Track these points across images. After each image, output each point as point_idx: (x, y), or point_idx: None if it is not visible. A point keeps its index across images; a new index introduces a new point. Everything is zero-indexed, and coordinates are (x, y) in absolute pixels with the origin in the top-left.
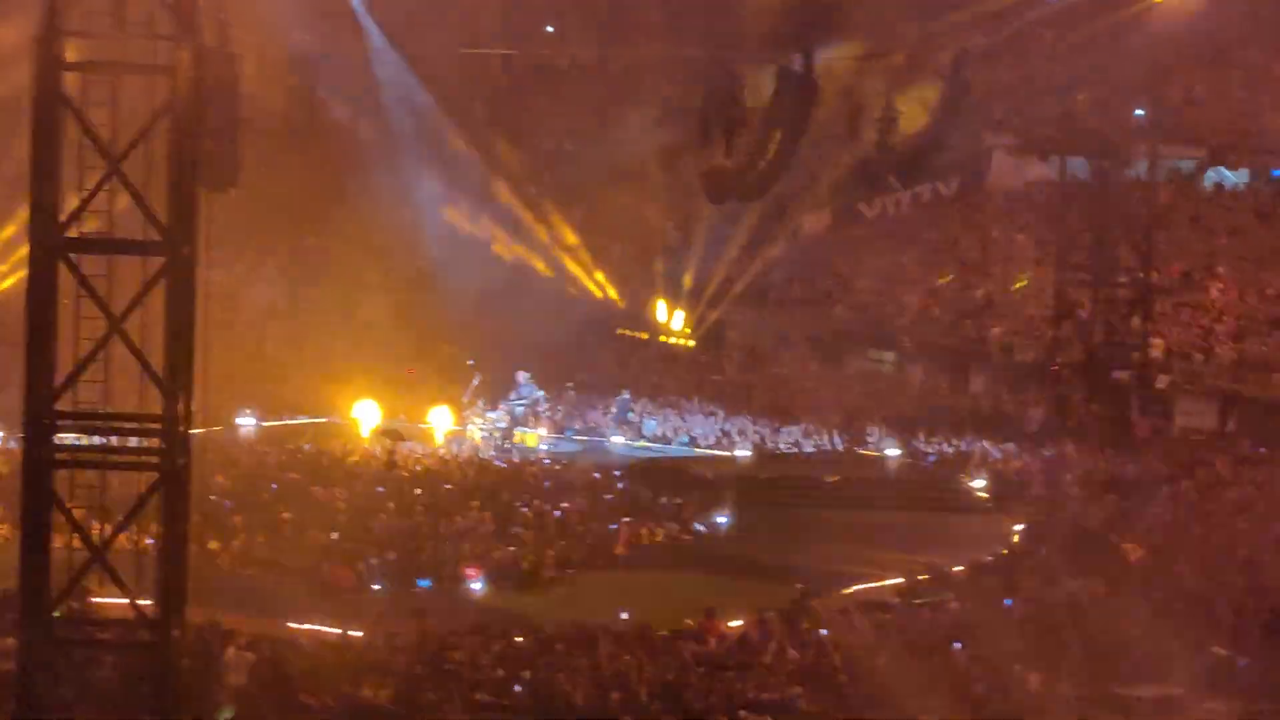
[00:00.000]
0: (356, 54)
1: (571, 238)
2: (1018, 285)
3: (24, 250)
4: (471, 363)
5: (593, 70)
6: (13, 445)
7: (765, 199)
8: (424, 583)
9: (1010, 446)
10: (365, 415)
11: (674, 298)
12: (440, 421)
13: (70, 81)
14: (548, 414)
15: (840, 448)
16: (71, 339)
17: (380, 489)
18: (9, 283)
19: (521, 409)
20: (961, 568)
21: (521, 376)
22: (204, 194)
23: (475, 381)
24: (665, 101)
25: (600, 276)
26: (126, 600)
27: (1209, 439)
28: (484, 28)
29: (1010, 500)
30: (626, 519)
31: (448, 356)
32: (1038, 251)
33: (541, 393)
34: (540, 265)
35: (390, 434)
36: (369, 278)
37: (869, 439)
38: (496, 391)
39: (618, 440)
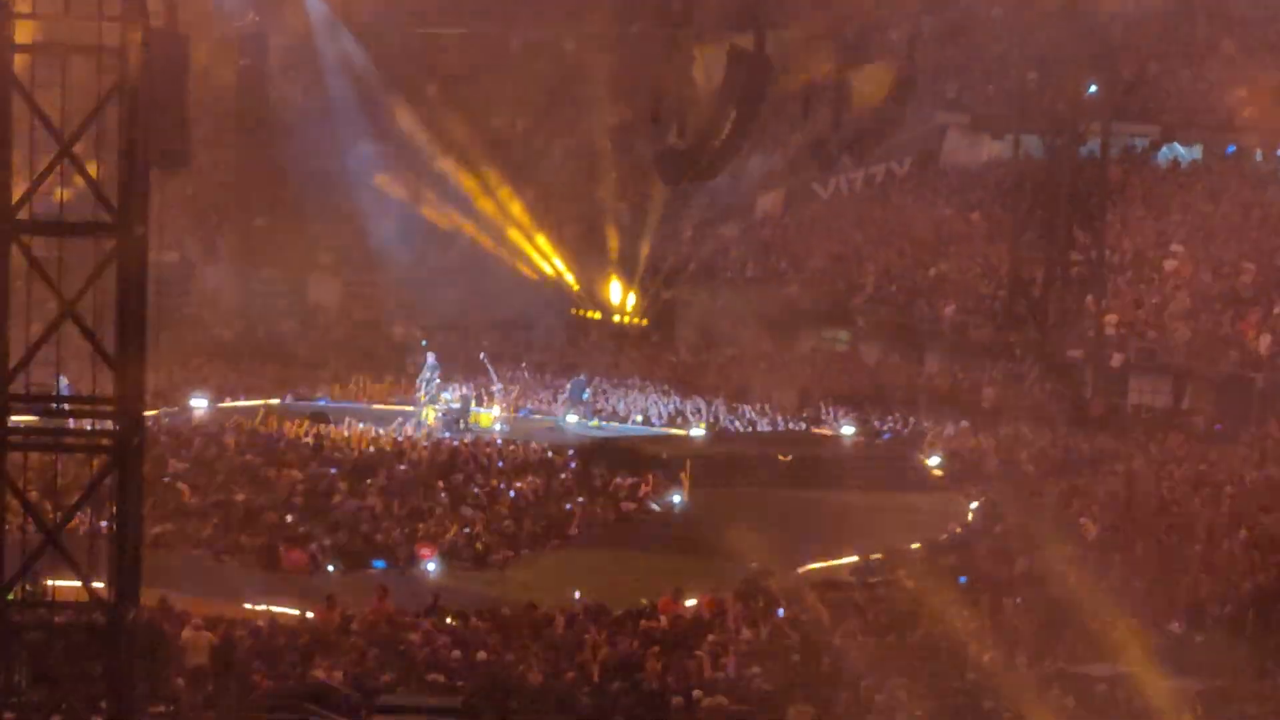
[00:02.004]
0: (306, 34)
1: (524, 218)
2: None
3: None
4: (425, 343)
5: (544, 49)
6: None
7: (718, 179)
8: (379, 564)
9: (965, 424)
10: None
11: (627, 277)
12: (394, 402)
13: (19, 63)
14: (501, 393)
15: (795, 426)
16: (23, 322)
17: (333, 470)
18: None
19: (427, 386)
20: (917, 546)
21: (430, 357)
22: (155, 175)
23: (429, 361)
24: (617, 81)
25: (553, 256)
26: (80, 583)
27: (1163, 416)
28: (435, 6)
29: (965, 478)
30: (580, 498)
31: (400, 337)
32: (991, 229)
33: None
34: (493, 245)
35: (318, 416)
36: (320, 258)
37: (823, 418)
38: (452, 371)
39: (572, 420)
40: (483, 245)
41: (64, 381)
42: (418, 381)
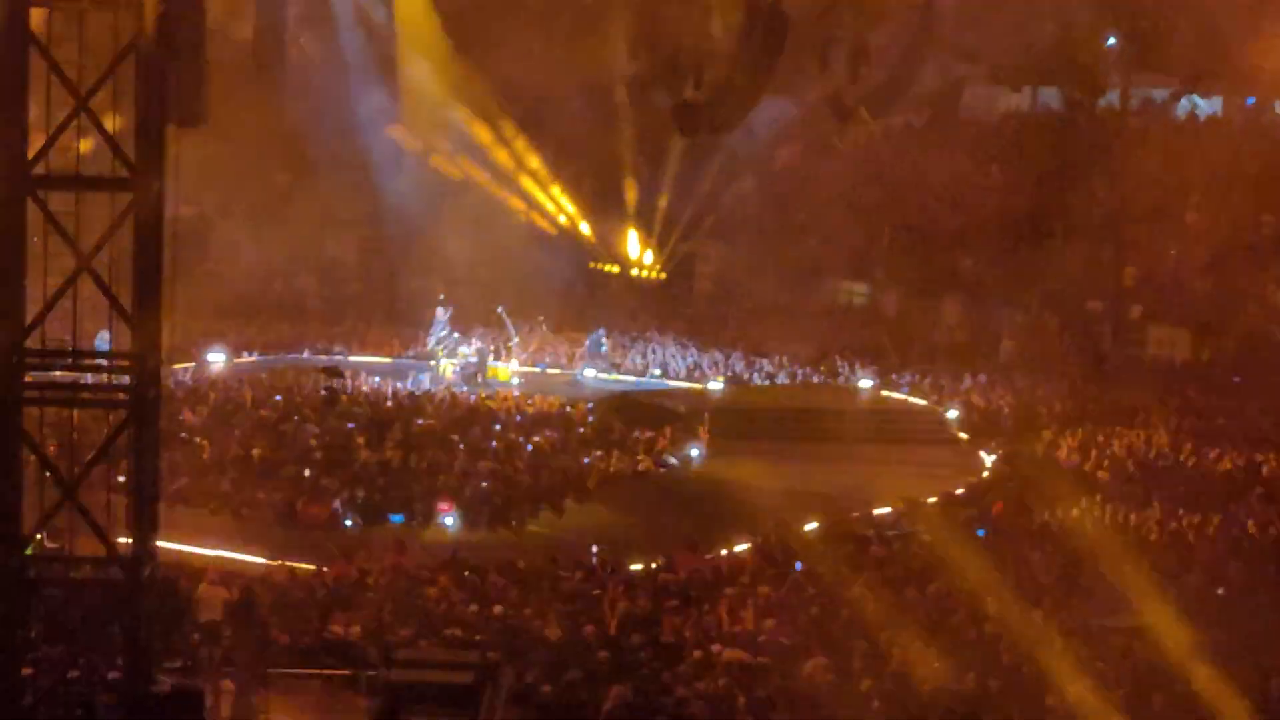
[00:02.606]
0: None
1: (542, 171)
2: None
3: None
4: (443, 296)
5: (561, 2)
6: None
7: (736, 132)
8: (396, 518)
9: (983, 377)
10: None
11: (645, 231)
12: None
13: (36, 18)
14: (518, 347)
15: (813, 380)
16: (40, 277)
17: (351, 425)
18: None
19: (439, 341)
20: (934, 499)
21: (439, 312)
22: (172, 130)
23: (447, 314)
24: (635, 34)
25: (571, 210)
26: (98, 538)
27: (1182, 368)
28: None
29: (983, 431)
30: (598, 453)
31: (417, 291)
32: (1010, 182)
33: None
34: (510, 199)
35: (330, 370)
36: (338, 213)
37: (841, 371)
38: (469, 325)
39: (589, 374)
40: (500, 199)
41: (105, 336)
42: (428, 336)
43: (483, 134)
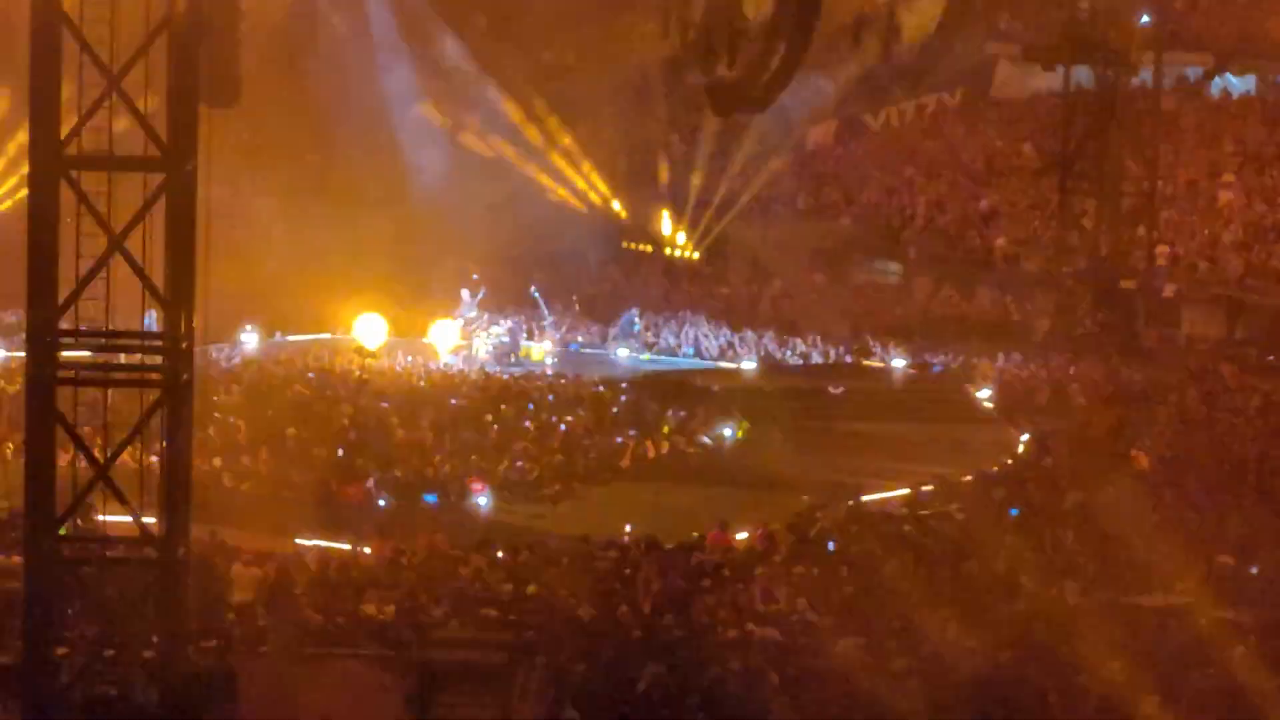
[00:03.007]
0: None
1: (574, 150)
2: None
3: (24, 169)
4: (476, 276)
5: None
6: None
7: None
8: (430, 498)
9: (1016, 356)
10: (368, 331)
11: (678, 210)
12: (444, 336)
13: None
14: (552, 327)
15: (846, 359)
16: (73, 258)
17: (385, 404)
18: (8, 204)
19: (468, 322)
20: (968, 478)
21: (465, 294)
22: (205, 110)
23: (480, 295)
24: (667, 13)
25: (604, 189)
26: (131, 518)
27: (1216, 347)
28: None
29: (1016, 410)
30: (631, 432)
31: (452, 270)
32: (1042, 161)
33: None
34: (544, 178)
35: (361, 351)
36: (371, 192)
37: (875, 350)
38: (504, 305)
39: (623, 353)
40: (533, 178)
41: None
42: (457, 316)
43: (514, 112)
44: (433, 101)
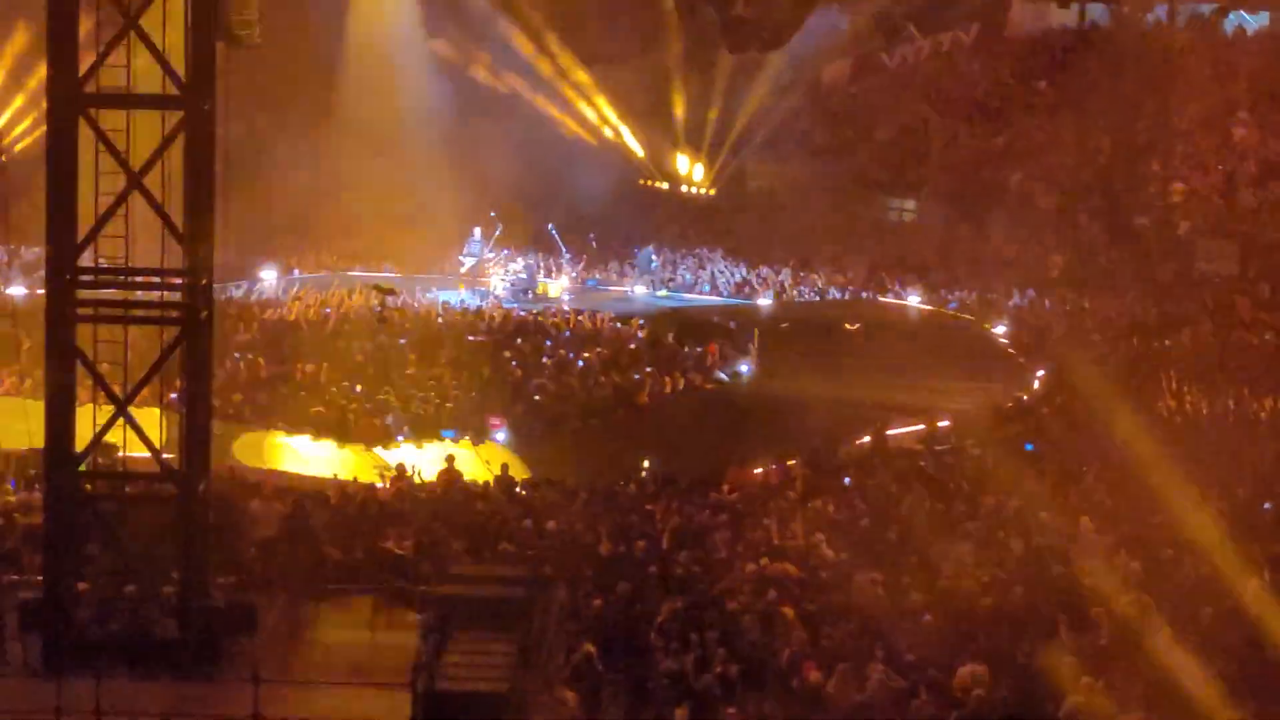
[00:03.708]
0: None
1: (590, 87)
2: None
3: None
4: (494, 214)
5: None
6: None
7: (784, 48)
8: (448, 434)
9: (1031, 293)
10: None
11: (694, 148)
12: (463, 272)
13: None
14: (569, 264)
15: (862, 296)
16: (91, 196)
17: (403, 341)
18: (26, 142)
19: (471, 262)
20: (984, 414)
21: (476, 231)
22: (222, 48)
23: (497, 232)
24: None
25: (621, 127)
26: (152, 454)
27: (1230, 283)
28: None
29: (1031, 346)
30: (648, 368)
31: (467, 208)
32: (1057, 98)
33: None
34: (560, 116)
35: (383, 288)
36: (389, 132)
37: (890, 287)
38: (520, 243)
39: (639, 290)
40: (550, 116)
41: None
42: (466, 255)
43: (527, 48)
44: (445, 38)
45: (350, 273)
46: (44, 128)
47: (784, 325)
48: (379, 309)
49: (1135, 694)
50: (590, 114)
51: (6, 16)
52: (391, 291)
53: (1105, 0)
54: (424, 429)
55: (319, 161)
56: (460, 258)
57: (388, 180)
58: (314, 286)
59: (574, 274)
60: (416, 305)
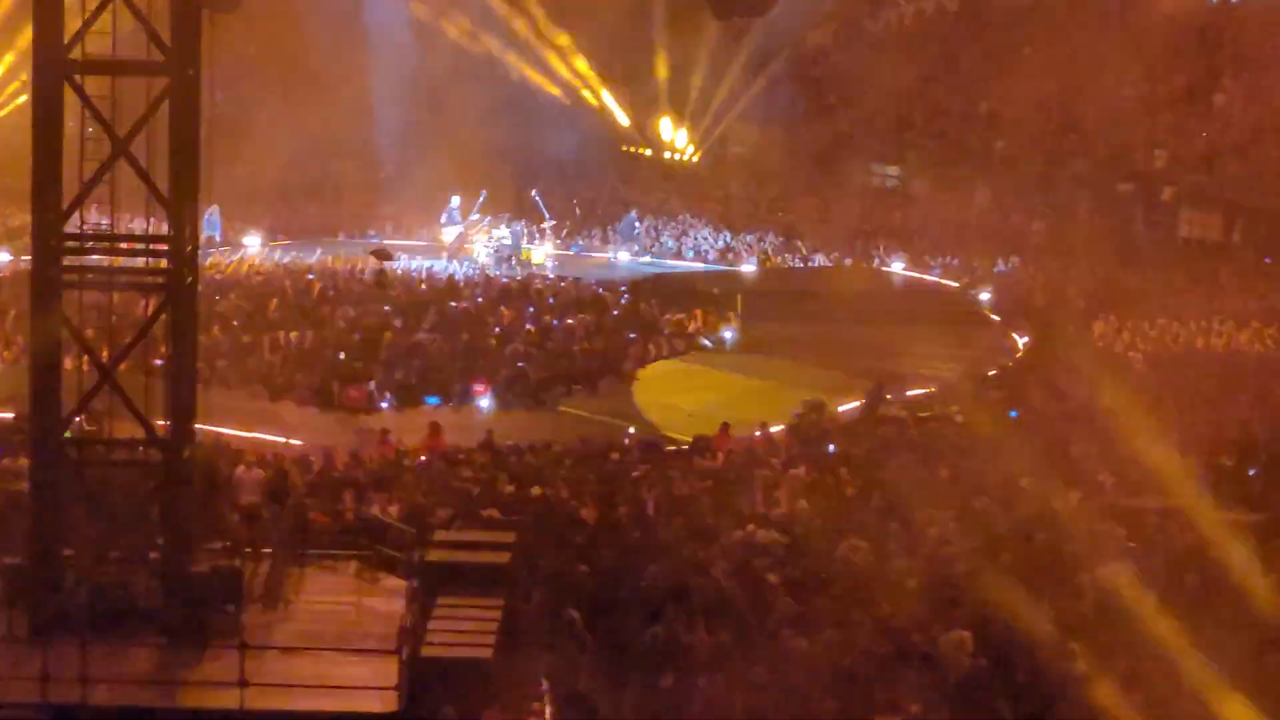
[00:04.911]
0: None
1: (574, 54)
2: None
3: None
4: (485, 192)
5: None
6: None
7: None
8: (432, 400)
9: (1015, 259)
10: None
11: (678, 114)
12: (445, 239)
13: None
14: (552, 230)
15: (846, 262)
16: (76, 162)
17: (387, 308)
18: (10, 108)
19: (453, 231)
20: (967, 380)
21: (454, 200)
22: (208, 15)
23: (480, 199)
24: None
25: (604, 93)
26: (137, 420)
27: (1213, 249)
28: None
29: (1015, 313)
30: (632, 334)
31: (448, 173)
32: (1042, 63)
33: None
34: (544, 82)
35: (380, 253)
36: (373, 98)
37: (874, 253)
38: (506, 208)
39: (623, 256)
40: (533, 82)
41: (217, 212)
42: (445, 222)
43: (514, 17)
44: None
45: (334, 239)
46: (28, 94)
47: (768, 291)
48: (377, 273)
49: (1120, 661)
50: (572, 79)
51: None
52: (389, 256)
53: None
54: (407, 396)
55: (301, 128)
56: (442, 227)
57: (369, 146)
58: (299, 253)
59: (557, 240)
60: (400, 271)
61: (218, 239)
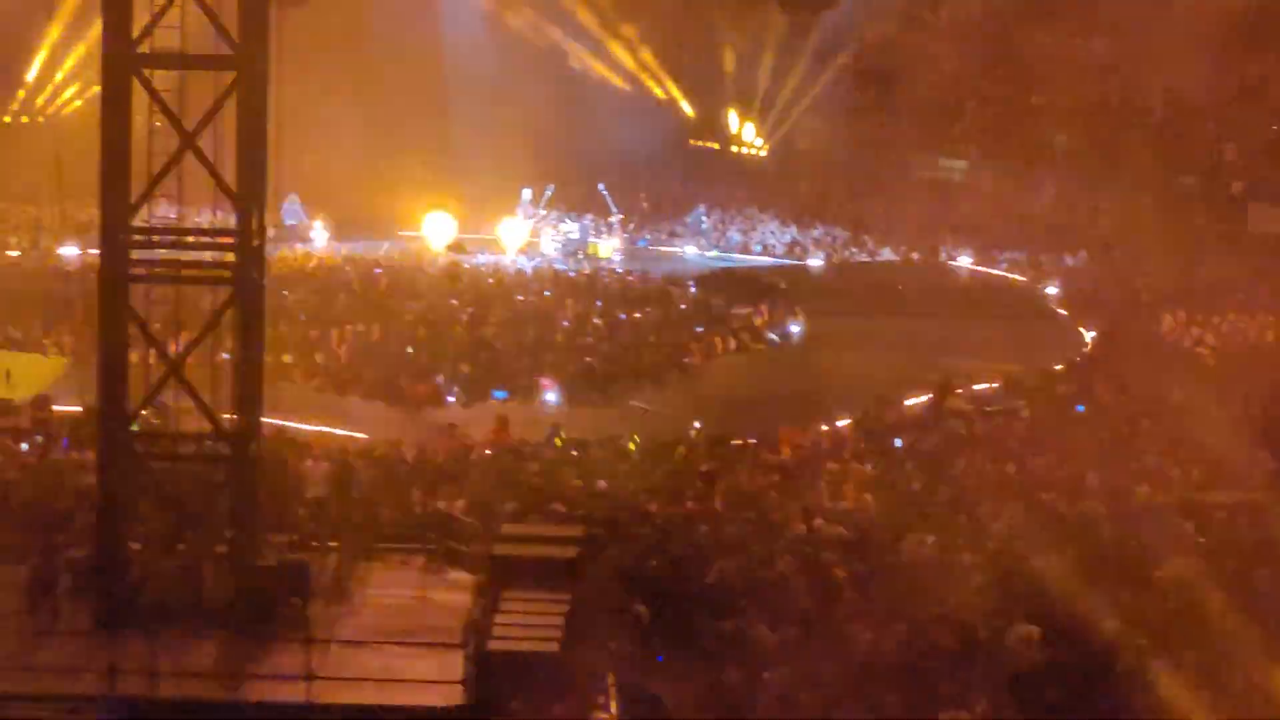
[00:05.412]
0: None
1: (644, 49)
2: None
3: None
4: (551, 187)
5: None
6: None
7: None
8: (500, 394)
9: (1082, 254)
10: (437, 229)
11: (745, 108)
12: (512, 234)
13: None
14: (619, 224)
15: (912, 257)
16: (144, 156)
17: (454, 301)
18: (79, 103)
19: (529, 225)
20: (1034, 374)
21: (525, 194)
22: (276, 8)
23: (548, 193)
24: None
25: (672, 87)
26: (204, 414)
27: None
28: None
29: (1082, 307)
30: (699, 328)
31: (520, 169)
32: (1110, 57)
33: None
34: (613, 77)
35: (456, 247)
36: (442, 92)
37: (941, 247)
38: (571, 203)
39: (691, 250)
40: (603, 77)
41: (293, 203)
42: (524, 216)
43: (584, 12)
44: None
45: (401, 233)
46: (97, 88)
47: (835, 286)
48: (449, 265)
49: (1188, 657)
50: (639, 71)
51: None
52: (463, 250)
53: None
54: (475, 390)
55: (368, 122)
56: (521, 221)
57: (437, 140)
58: (365, 247)
59: (625, 234)
60: (468, 265)
61: (303, 223)
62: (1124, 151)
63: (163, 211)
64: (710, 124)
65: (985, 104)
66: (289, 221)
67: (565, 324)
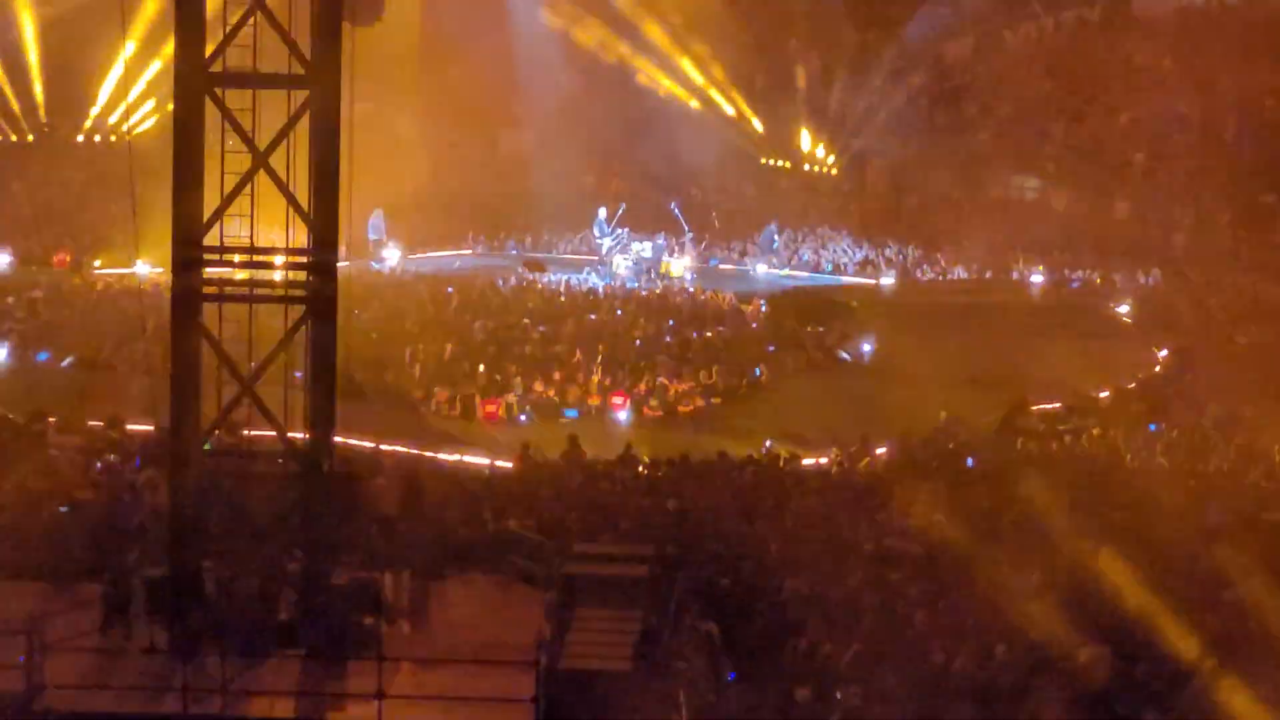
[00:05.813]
0: None
1: (714, 67)
2: None
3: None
4: (624, 206)
5: None
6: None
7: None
8: (571, 413)
9: (1156, 272)
10: (506, 247)
11: (817, 126)
12: (585, 252)
13: None
14: (691, 243)
15: (984, 275)
16: (217, 175)
17: (526, 320)
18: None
19: (607, 244)
20: (1106, 394)
21: (601, 212)
22: (348, 28)
23: (620, 211)
24: None
25: (743, 105)
26: (276, 433)
27: None
28: None
29: (1155, 325)
30: (770, 347)
31: (589, 186)
32: (1183, 76)
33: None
34: (683, 95)
35: (532, 265)
36: (512, 110)
37: (1014, 266)
38: (644, 222)
39: (762, 269)
40: (673, 95)
41: (381, 215)
42: (593, 235)
43: (654, 31)
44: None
45: (472, 251)
46: (170, 107)
47: (906, 304)
48: (520, 285)
49: (1264, 679)
50: (714, 93)
51: None
52: (541, 268)
53: None
54: (546, 409)
55: (442, 141)
56: (595, 240)
57: (509, 157)
58: (437, 265)
59: (696, 252)
60: (539, 284)
61: (383, 239)
62: (1200, 169)
63: (235, 230)
64: (781, 142)
65: (1059, 122)
66: (373, 236)
67: (638, 343)
